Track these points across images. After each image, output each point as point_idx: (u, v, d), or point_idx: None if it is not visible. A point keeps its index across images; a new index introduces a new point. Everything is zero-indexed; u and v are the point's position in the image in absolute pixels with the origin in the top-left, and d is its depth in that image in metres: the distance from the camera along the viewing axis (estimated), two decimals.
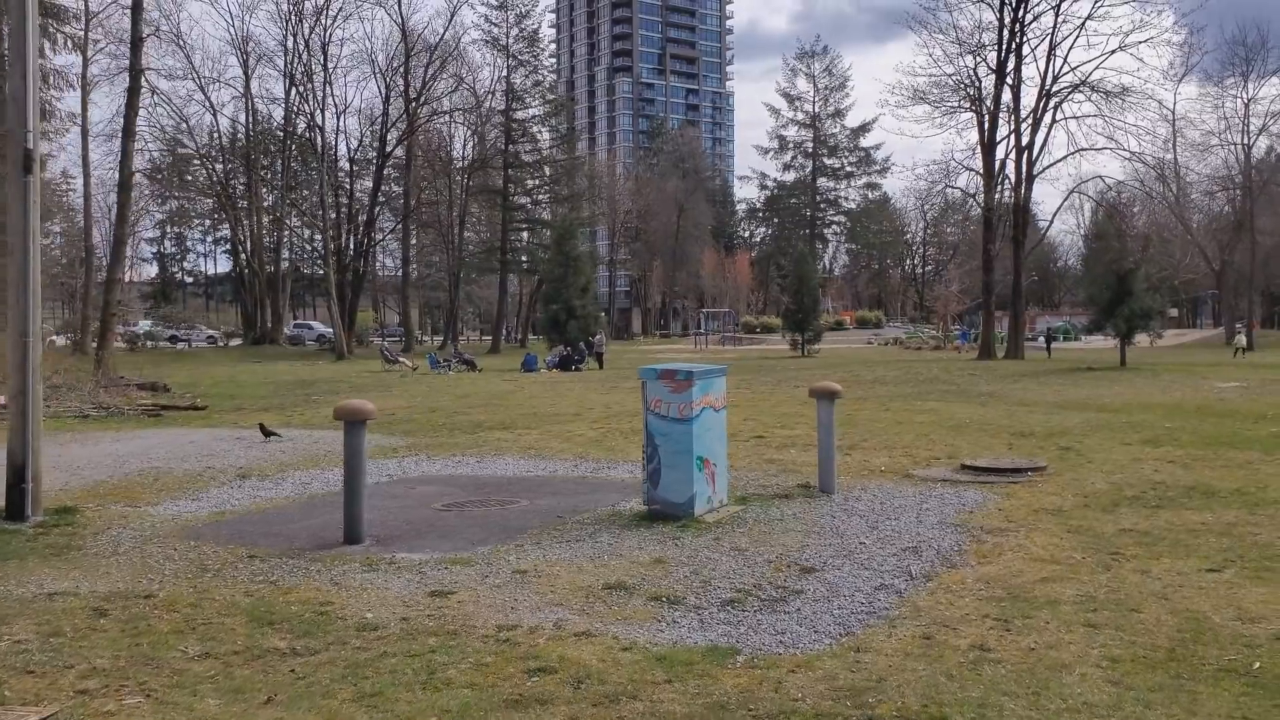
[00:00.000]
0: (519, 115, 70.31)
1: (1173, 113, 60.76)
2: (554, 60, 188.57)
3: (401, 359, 38.75)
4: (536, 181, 74.37)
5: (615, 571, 6.96)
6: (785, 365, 38.80)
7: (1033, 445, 13.46)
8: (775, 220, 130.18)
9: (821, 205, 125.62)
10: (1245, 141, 64.15)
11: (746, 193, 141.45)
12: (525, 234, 76.46)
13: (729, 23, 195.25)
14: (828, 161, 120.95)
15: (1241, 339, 55.61)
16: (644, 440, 8.78)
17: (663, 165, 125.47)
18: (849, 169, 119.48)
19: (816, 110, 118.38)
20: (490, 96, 68.08)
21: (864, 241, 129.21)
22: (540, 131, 72.80)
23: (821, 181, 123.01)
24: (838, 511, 9.10)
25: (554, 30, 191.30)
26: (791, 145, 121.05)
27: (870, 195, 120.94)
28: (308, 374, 35.10)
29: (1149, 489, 10.08)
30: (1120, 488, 10.18)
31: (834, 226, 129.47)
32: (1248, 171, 64.63)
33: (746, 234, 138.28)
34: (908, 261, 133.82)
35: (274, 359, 51.50)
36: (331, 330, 59.63)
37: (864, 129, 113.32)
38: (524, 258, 72.94)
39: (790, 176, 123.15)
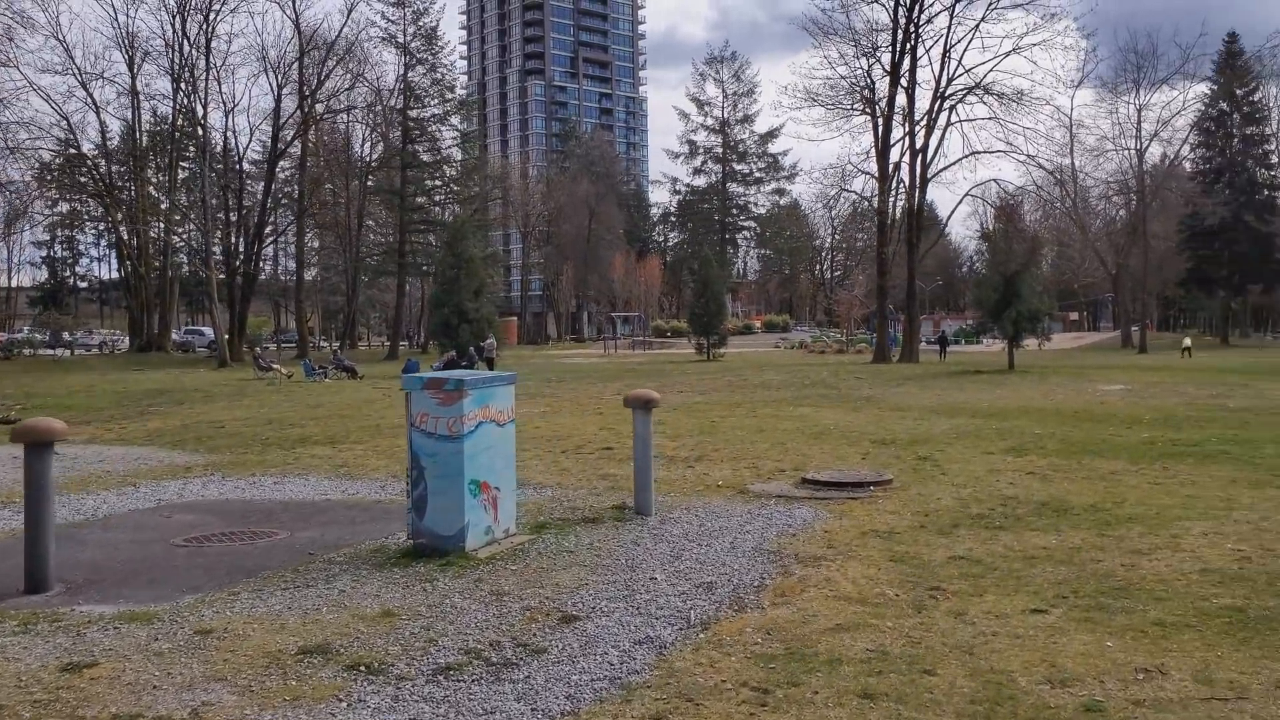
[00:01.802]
0: (418, 114, 68.48)
1: (1070, 118, 61.55)
2: (456, 59, 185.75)
3: (275, 366, 36.77)
4: (437, 182, 72.52)
5: (325, 629, 5.67)
6: (685, 370, 37.79)
7: (890, 455, 12.51)
8: (689, 225, 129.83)
9: (732, 210, 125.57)
10: (1138, 147, 65.31)
11: (660, 197, 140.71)
12: (430, 236, 74.48)
13: (641, 27, 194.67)
14: (737, 167, 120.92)
15: (1187, 340, 56.49)
16: (408, 462, 7.50)
17: (574, 168, 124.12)
18: (758, 175, 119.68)
19: (726, 116, 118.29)
20: (391, 95, 66.09)
21: (774, 247, 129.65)
22: (440, 131, 71.01)
23: (732, 187, 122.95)
24: (645, 538, 7.95)
25: (464, 32, 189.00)
26: (702, 150, 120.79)
27: (779, 201, 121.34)
28: (172, 383, 32.97)
29: (998, 505, 9.13)
30: (967, 504, 9.22)
31: (745, 232, 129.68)
32: (1141, 177, 65.79)
33: (660, 238, 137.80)
34: (817, 266, 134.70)
35: (156, 366, 48.80)
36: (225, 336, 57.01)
37: (772, 135, 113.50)
38: (423, 260, 70.89)
39: (701, 181, 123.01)
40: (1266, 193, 75.94)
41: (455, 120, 74.89)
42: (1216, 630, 5.36)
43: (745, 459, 12.31)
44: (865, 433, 14.90)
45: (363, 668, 5.04)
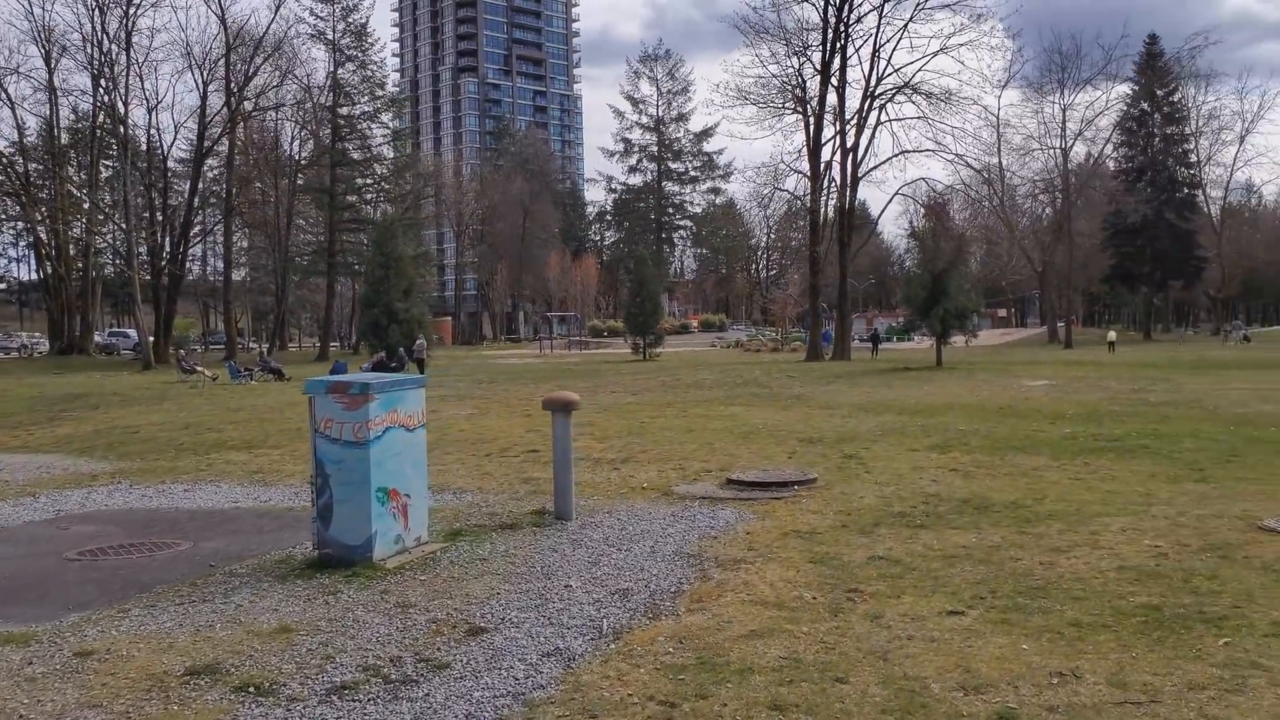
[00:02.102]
0: (348, 112, 67.40)
1: (997, 118, 62.55)
2: (386, 56, 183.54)
3: (200, 368, 35.78)
4: (367, 180, 71.49)
5: (217, 648, 5.38)
6: (620, 370, 37.59)
7: (816, 453, 12.46)
8: (625, 224, 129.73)
9: (668, 209, 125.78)
10: (1063, 146, 66.60)
11: (596, 195, 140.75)
12: (361, 235, 73.33)
13: (576, 25, 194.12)
14: (673, 165, 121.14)
15: (1112, 334, 57.68)
16: (312, 470, 7.21)
17: (508, 166, 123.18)
18: (693, 173, 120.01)
19: (661, 114, 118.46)
20: (321, 92, 64.93)
21: (710, 246, 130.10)
22: (370, 128, 69.97)
23: (667, 185, 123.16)
24: (563, 544, 7.74)
25: (397, 29, 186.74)
26: (637, 148, 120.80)
27: (715, 200, 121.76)
28: (92, 387, 31.92)
29: (920, 503, 9.09)
30: (889, 502, 9.17)
31: (681, 230, 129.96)
32: (1065, 175, 67.10)
33: (597, 237, 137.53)
34: (753, 265, 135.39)
35: (78, 369, 47.30)
36: (150, 338, 55.49)
37: (707, 134, 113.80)
38: (354, 259, 69.78)
39: (637, 180, 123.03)
40: (1186, 191, 78.06)
41: (386, 118, 73.89)
42: (1132, 630, 5.31)
43: (672, 460, 12.16)
44: (793, 431, 14.85)
45: (252, 688, 4.77)
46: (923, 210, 42.08)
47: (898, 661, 4.91)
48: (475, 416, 18.27)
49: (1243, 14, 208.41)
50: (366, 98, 68.77)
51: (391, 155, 76.13)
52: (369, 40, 68.84)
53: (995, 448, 12.69)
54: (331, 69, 64.87)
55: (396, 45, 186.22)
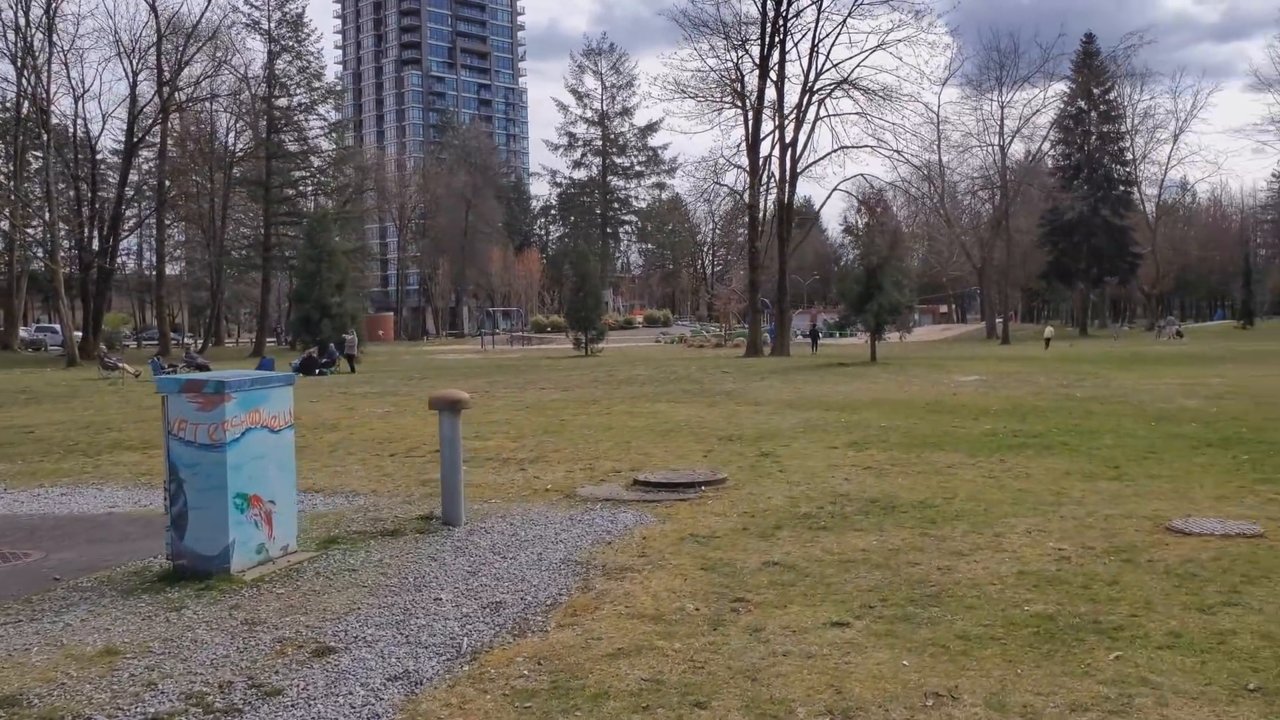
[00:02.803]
0: (285, 103, 66.04)
1: (937, 115, 63.01)
2: (324, 46, 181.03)
3: (121, 365, 34.63)
4: (304, 173, 70.14)
5: (26, 675, 4.86)
6: (557, 366, 37.10)
7: (733, 451, 12.12)
8: (570, 219, 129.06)
9: (613, 204, 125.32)
10: (1002, 143, 67.25)
11: (540, 190, 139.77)
12: (298, 229, 71.89)
13: (521, 18, 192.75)
14: (618, 160, 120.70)
15: (1049, 330, 58.30)
16: (165, 475, 6.69)
17: (451, 160, 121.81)
18: (638, 168, 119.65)
19: (605, 108, 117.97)
20: (256, 83, 63.50)
21: (656, 241, 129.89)
22: (307, 120, 68.63)
23: (612, 180, 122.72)
24: (445, 552, 7.29)
25: (339, 20, 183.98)
26: (581, 143, 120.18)
27: (660, 195, 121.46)
28: (7, 384, 30.73)
29: (828, 504, 8.77)
30: (797, 503, 8.84)
31: (626, 226, 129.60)
32: (1004, 172, 67.78)
33: (541, 232, 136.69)
34: (699, 261, 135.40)
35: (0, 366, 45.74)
36: (79, 333, 53.83)
37: (652, 128, 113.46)
38: (291, 253, 68.41)
39: (581, 174, 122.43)
40: (1122, 188, 79.35)
41: (324, 109, 72.56)
42: (1021, 643, 5.00)
43: (584, 459, 11.75)
44: (715, 429, 14.51)
45: None
46: (859, 205, 41.98)
47: (767, 682, 4.54)
48: (391, 415, 17.72)
49: (1180, 16, 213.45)
50: (303, 89, 67.46)
51: (330, 147, 74.79)
52: (305, 30, 67.53)
53: (913, 445, 12.44)
54: (267, 59, 63.54)
55: (339, 36, 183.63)
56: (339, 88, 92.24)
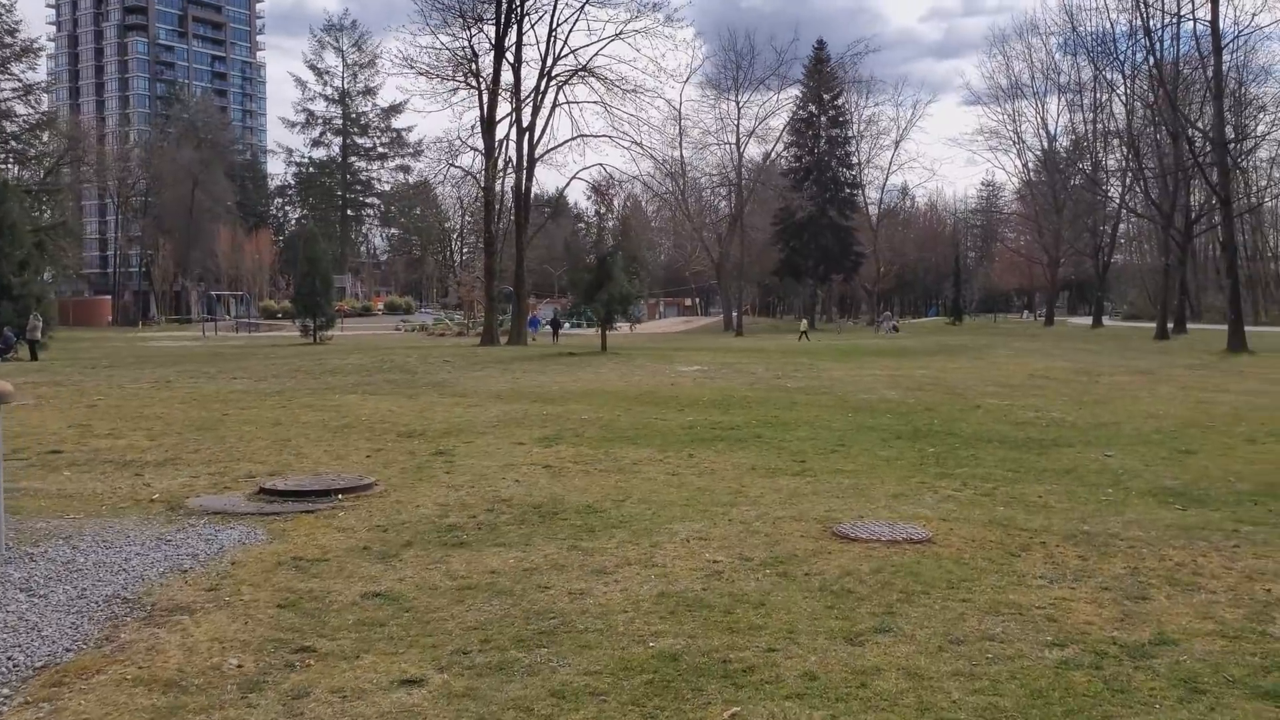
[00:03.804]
0: None
1: (679, 112, 63.73)
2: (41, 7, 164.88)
3: None
4: None
5: None
6: (273, 354, 34.18)
7: (405, 449, 10.79)
8: (311, 200, 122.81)
9: (355, 186, 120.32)
10: (737, 142, 69.00)
11: (280, 169, 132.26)
12: None
13: None
14: (359, 140, 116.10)
15: (804, 324, 59.90)
16: None
17: (178, 134, 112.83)
18: (381, 150, 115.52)
19: (346, 87, 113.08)
20: None
21: (401, 226, 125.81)
22: None
23: (354, 161, 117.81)
24: None
25: None
26: (320, 121, 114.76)
27: (406, 178, 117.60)
28: None
29: (483, 511, 7.63)
30: (447, 511, 7.64)
31: (369, 209, 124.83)
32: (739, 170, 69.63)
33: (279, 213, 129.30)
34: (448, 248, 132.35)
35: None
36: None
37: (396, 109, 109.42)
38: None
39: (321, 153, 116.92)
40: (848, 191, 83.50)
41: (18, 69, 64.78)
42: (625, 700, 3.98)
43: (223, 461, 10.06)
44: (400, 424, 13.10)
45: None
46: (590, 194, 41.50)
47: None
48: (29, 409, 15.11)
49: (905, 32, 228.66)
50: None
51: (25, 112, 66.98)
52: None
53: (607, 439, 11.56)
54: None
55: None
56: (37, 46, 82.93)
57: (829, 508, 7.71)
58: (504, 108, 41.39)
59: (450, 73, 39.91)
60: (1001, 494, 8.47)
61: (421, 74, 39.80)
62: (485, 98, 40.24)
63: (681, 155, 69.70)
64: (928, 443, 11.45)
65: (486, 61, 40.78)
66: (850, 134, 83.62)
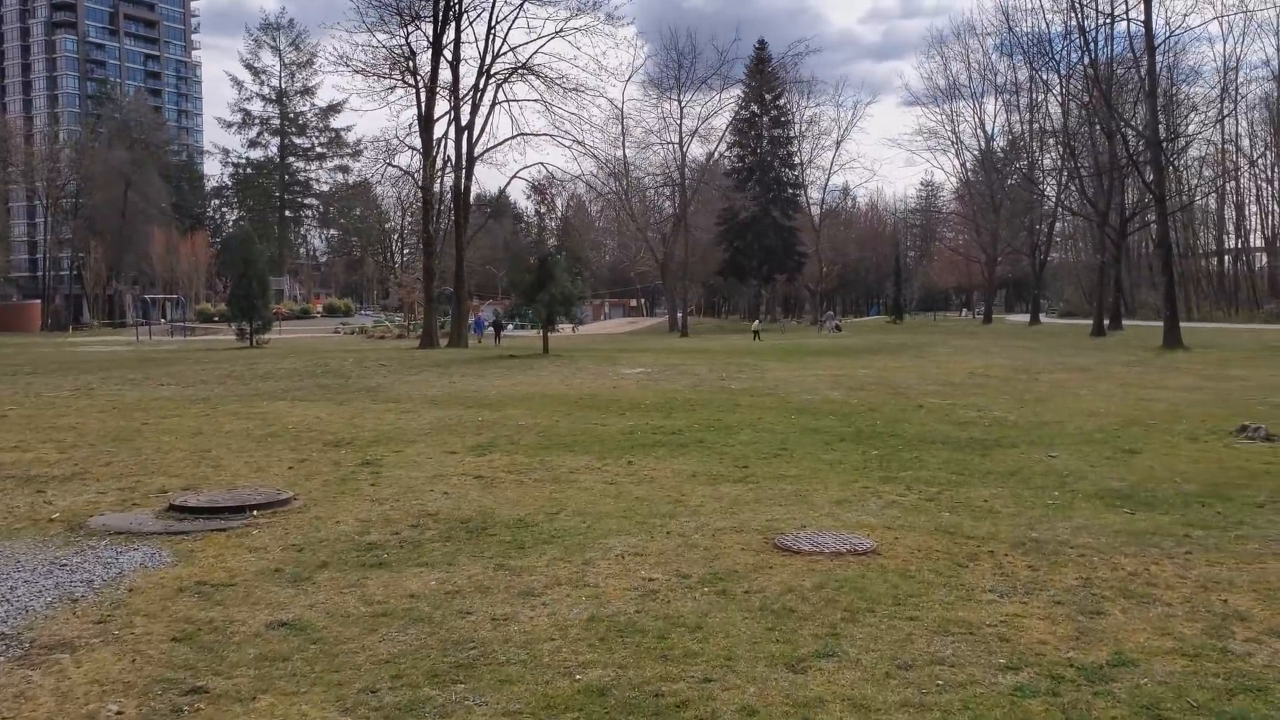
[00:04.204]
0: None
1: (621, 111, 63.37)
2: None
3: None
4: None
5: None
6: (205, 358, 33.08)
7: (330, 460, 10.30)
8: (249, 202, 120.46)
9: (293, 187, 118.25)
10: (680, 142, 68.78)
11: (217, 170, 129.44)
12: None
13: None
14: (297, 141, 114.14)
15: (756, 324, 59.70)
16: None
17: (110, 134, 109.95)
18: (320, 150, 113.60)
19: (284, 86, 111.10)
20: None
21: (341, 227, 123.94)
22: None
23: (292, 161, 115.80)
24: None
25: None
26: (257, 121, 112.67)
27: (345, 179, 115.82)
28: None
29: (407, 528, 7.21)
30: (368, 528, 7.21)
31: (309, 210, 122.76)
32: (683, 170, 69.43)
33: (216, 215, 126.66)
34: (389, 249, 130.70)
35: None
36: None
37: (334, 109, 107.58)
38: None
39: (258, 154, 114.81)
40: (790, 191, 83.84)
41: None
42: None
43: (135, 475, 9.50)
44: (328, 432, 12.57)
45: None
46: (530, 193, 41.02)
47: None
48: None
49: (845, 34, 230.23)
50: None
51: None
52: None
53: (545, 446, 11.17)
54: None
55: None
56: None
57: (771, 517, 7.40)
58: (442, 106, 40.76)
59: (387, 70, 39.14)
60: (946, 498, 8.24)
61: (357, 72, 38.97)
62: (423, 96, 39.55)
63: (625, 155, 69.41)
64: (871, 445, 11.22)
65: (424, 59, 40.11)
66: (792, 134, 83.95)
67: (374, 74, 39.03)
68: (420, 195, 42.81)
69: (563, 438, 11.86)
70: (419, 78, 39.34)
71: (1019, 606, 5.20)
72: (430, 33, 39.83)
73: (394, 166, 41.78)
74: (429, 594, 5.54)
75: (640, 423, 13.23)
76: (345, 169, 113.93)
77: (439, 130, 40.63)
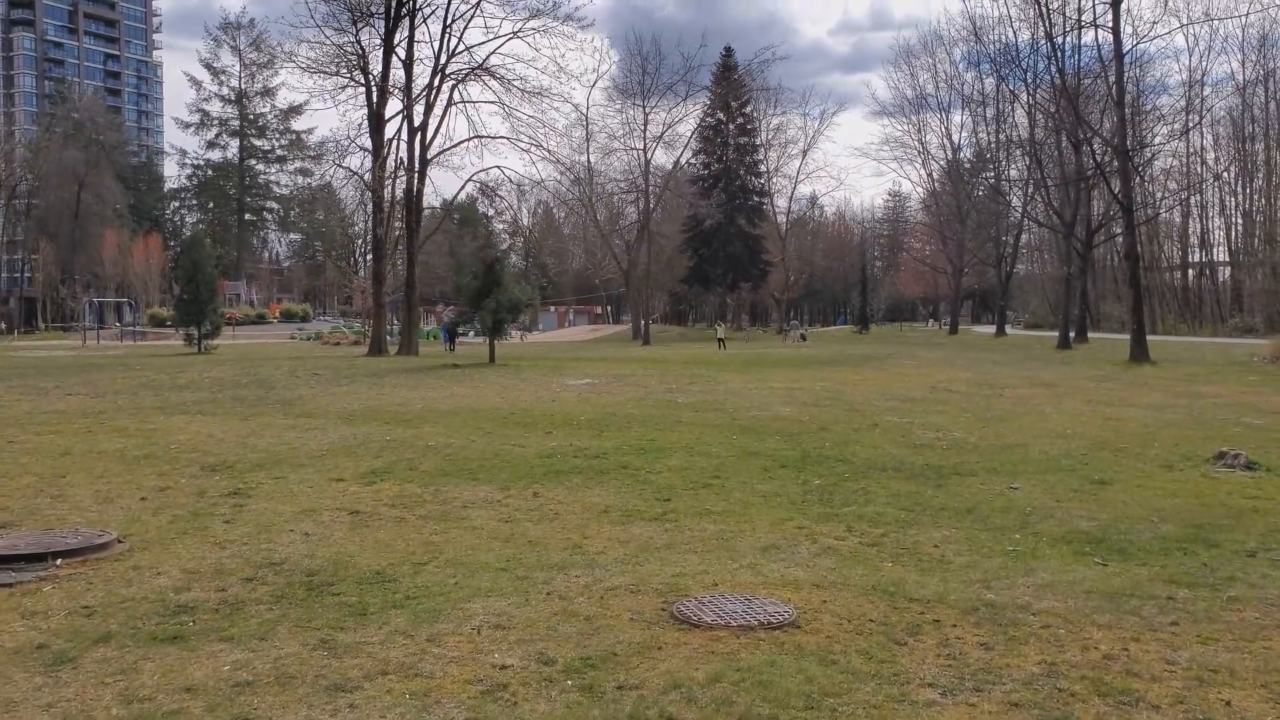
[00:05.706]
0: None
1: (585, 116, 62.20)
2: None
3: None
4: None
5: None
6: (149, 364, 31.32)
7: (196, 488, 8.99)
8: (209, 204, 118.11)
9: (253, 189, 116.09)
10: (644, 148, 67.65)
11: (176, 171, 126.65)
12: None
13: None
14: (257, 142, 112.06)
15: (720, 331, 58.64)
16: None
17: (64, 133, 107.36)
18: (280, 152, 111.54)
19: (243, 87, 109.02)
20: None
21: (302, 230, 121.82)
22: None
23: (252, 163, 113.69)
24: None
25: None
26: (216, 122, 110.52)
27: (306, 181, 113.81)
28: None
29: (240, 580, 5.94)
30: (192, 581, 5.94)
31: (269, 213, 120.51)
32: (647, 176, 68.29)
33: (175, 217, 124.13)
34: (352, 254, 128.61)
35: None
36: None
37: (295, 110, 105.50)
38: None
39: (216, 155, 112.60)
40: (756, 199, 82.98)
41: None
42: None
43: None
44: (212, 453, 11.23)
45: None
46: (479, 195, 39.73)
47: None
48: None
49: (816, 45, 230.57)
50: None
51: None
52: None
53: (445, 472, 9.91)
54: None
55: None
56: None
57: (680, 570, 6.20)
58: (395, 106, 39.42)
59: (335, 68, 37.74)
60: (891, 542, 7.09)
61: (304, 69, 37.53)
62: (374, 94, 38.16)
63: (589, 160, 68.30)
64: (814, 472, 10.06)
65: (376, 58, 38.74)
66: (758, 142, 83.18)
67: (321, 71, 37.62)
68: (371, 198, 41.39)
69: (470, 462, 10.59)
70: (370, 76, 37.96)
71: (965, 712, 4.02)
72: (382, 30, 38.48)
73: (344, 168, 40.36)
74: (211, 687, 4.29)
75: (564, 443, 11.99)
76: (306, 172, 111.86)
77: (390, 131, 39.33)
